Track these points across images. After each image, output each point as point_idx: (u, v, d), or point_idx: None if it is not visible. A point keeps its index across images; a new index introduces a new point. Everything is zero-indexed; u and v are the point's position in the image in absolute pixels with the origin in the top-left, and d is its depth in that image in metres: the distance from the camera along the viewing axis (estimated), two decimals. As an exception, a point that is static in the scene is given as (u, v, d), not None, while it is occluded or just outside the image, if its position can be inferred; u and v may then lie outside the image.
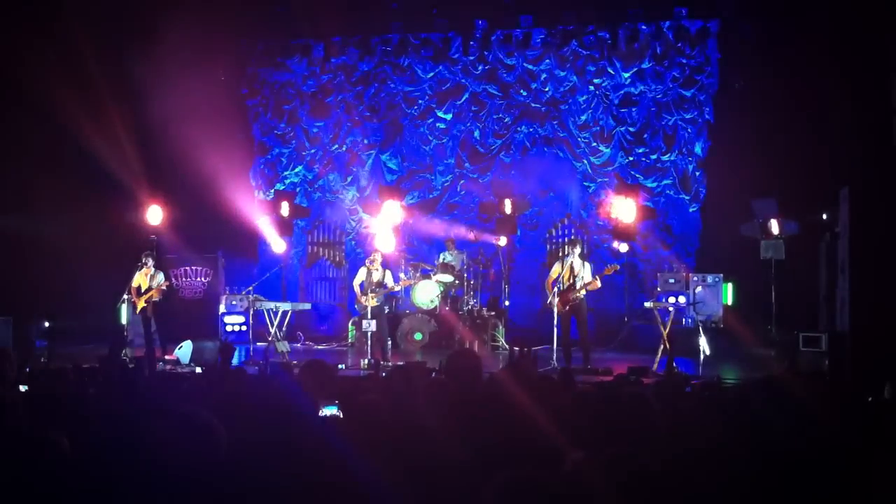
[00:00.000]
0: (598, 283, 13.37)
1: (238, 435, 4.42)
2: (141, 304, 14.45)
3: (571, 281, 13.14)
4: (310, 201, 19.57)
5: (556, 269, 13.45)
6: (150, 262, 14.60)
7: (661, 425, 4.36)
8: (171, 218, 17.49)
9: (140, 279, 14.51)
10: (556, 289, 13.23)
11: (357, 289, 14.13)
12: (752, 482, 3.85)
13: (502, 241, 17.64)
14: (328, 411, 4.87)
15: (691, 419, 4.69)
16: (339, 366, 13.25)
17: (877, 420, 5.59)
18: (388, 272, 14.20)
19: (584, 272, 13.17)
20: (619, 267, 13.78)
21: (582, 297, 13.17)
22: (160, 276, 14.63)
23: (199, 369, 11.98)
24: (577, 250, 13.44)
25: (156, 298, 14.53)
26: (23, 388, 7.02)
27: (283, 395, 5.36)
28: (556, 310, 13.23)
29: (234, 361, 14.22)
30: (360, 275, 14.16)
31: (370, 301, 13.79)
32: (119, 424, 4.80)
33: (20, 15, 16.22)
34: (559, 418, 4.90)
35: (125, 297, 14.51)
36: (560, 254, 17.11)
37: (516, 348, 14.18)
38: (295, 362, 12.87)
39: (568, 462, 3.62)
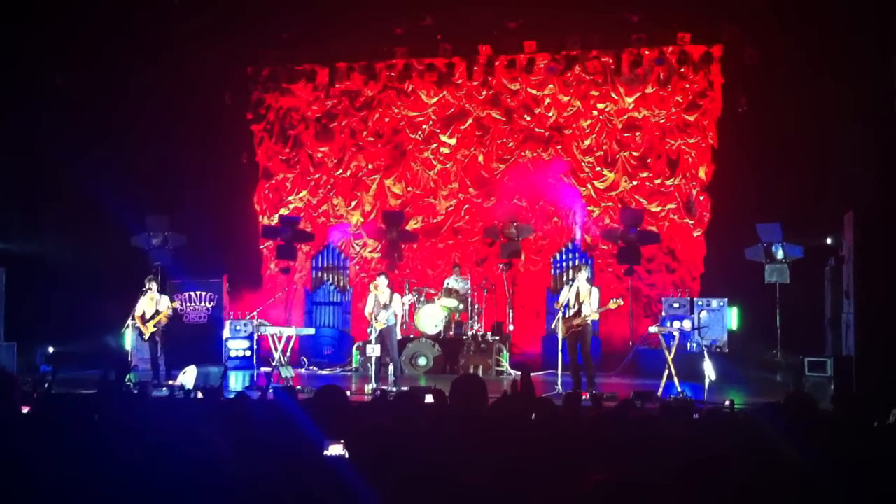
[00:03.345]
0: (597, 315, 13.28)
1: (242, 462, 4.40)
2: (150, 329, 14.36)
3: (577, 307, 13.07)
4: (314, 226, 19.57)
5: (564, 293, 13.33)
6: (154, 287, 14.54)
7: (669, 451, 4.35)
8: (176, 243, 17.52)
9: (145, 305, 14.44)
10: (559, 314, 13.16)
11: (369, 317, 14.08)
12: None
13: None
14: (334, 450, 4.79)
15: (700, 445, 4.67)
16: (346, 392, 13.19)
17: (883, 445, 5.55)
18: (395, 295, 14.21)
19: (591, 298, 13.06)
20: (622, 302, 13.49)
21: (587, 323, 13.09)
22: (165, 300, 14.58)
23: (199, 394, 11.93)
24: (584, 275, 13.34)
25: (164, 323, 14.45)
26: (25, 409, 7.02)
27: (289, 420, 5.34)
28: (560, 335, 13.17)
29: (238, 387, 14.25)
30: (369, 302, 14.13)
31: (378, 324, 13.82)
32: (122, 450, 4.78)
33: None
34: (564, 444, 4.88)
35: (129, 322, 14.47)
36: (564, 279, 17.12)
37: (516, 372, 14.09)
38: (299, 387, 12.83)
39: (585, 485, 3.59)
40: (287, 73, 19.32)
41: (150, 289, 14.43)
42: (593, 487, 3.26)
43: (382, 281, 14.12)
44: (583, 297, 13.03)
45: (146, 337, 14.38)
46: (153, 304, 14.42)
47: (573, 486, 3.94)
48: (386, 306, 13.95)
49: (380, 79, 19.28)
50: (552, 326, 13.47)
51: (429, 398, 10.86)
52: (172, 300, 14.86)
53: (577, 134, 18.60)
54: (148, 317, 14.33)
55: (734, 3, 16.59)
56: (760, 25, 16.45)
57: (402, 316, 15.39)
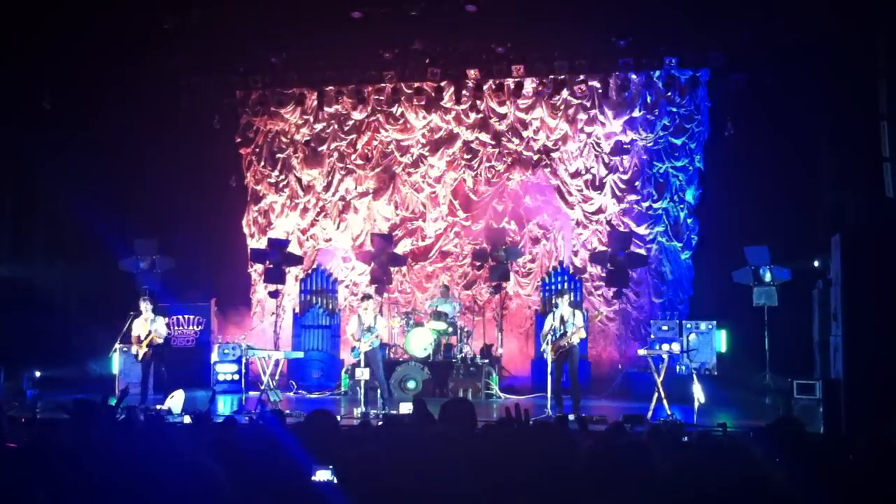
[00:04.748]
0: (584, 333, 13.45)
1: (231, 487, 4.36)
2: (143, 349, 14.32)
3: (563, 330, 13.21)
4: (302, 249, 19.55)
5: (548, 321, 13.57)
6: (149, 308, 14.52)
7: (659, 475, 4.33)
8: (164, 266, 17.46)
9: (140, 326, 14.41)
10: (549, 337, 13.29)
11: (351, 338, 14.15)
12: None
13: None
14: (322, 475, 4.75)
15: (690, 469, 4.65)
16: (336, 416, 13.14)
17: (871, 469, 5.55)
18: (378, 317, 14.24)
19: (575, 320, 13.25)
20: (604, 313, 13.79)
21: (574, 343, 13.23)
22: (160, 320, 14.58)
23: (188, 419, 11.88)
24: (566, 299, 13.51)
25: (158, 342, 14.41)
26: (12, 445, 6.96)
27: (277, 445, 5.31)
28: (549, 357, 13.26)
29: (227, 411, 14.18)
30: (352, 323, 14.21)
31: (363, 346, 13.82)
32: (110, 476, 4.75)
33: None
34: (556, 467, 4.86)
35: (117, 346, 14.42)
36: (547, 306, 17.20)
37: (511, 398, 14.17)
38: (288, 411, 12.78)
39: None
40: (276, 97, 19.35)
41: (143, 310, 14.42)
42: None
43: (368, 304, 14.19)
44: (567, 319, 13.21)
45: (140, 358, 14.34)
46: (147, 324, 14.38)
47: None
48: (370, 328, 13.96)
49: (368, 102, 19.32)
50: (542, 351, 13.56)
51: (408, 407, 10.87)
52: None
53: (565, 157, 18.66)
54: (143, 338, 14.29)
55: (721, 28, 16.69)
56: (747, 50, 16.56)
57: (391, 337, 15.39)
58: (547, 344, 13.32)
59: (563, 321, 13.31)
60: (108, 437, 6.81)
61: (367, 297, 14.65)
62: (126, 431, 7.48)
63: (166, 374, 14.88)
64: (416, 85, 18.96)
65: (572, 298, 14.14)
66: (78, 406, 7.05)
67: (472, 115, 19.02)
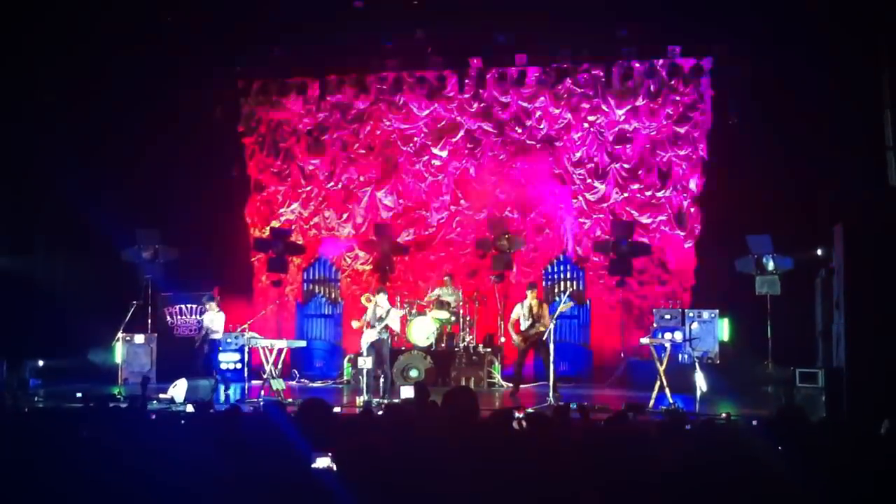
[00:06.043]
0: (549, 322, 14.09)
1: (234, 475, 4.38)
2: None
3: (531, 321, 14.09)
4: (305, 238, 19.55)
5: (516, 311, 14.40)
6: (214, 303, 14.83)
7: (662, 464, 4.34)
8: (167, 256, 17.46)
9: (211, 319, 14.78)
10: (525, 326, 14.18)
11: (364, 327, 14.22)
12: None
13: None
14: (321, 463, 4.74)
15: (692, 458, 4.66)
16: (336, 408, 13.13)
17: (874, 457, 5.55)
18: (392, 310, 14.31)
19: (544, 311, 14.16)
20: (573, 304, 14.88)
21: (542, 332, 13.95)
22: (221, 316, 14.78)
23: (191, 408, 11.91)
24: (533, 293, 14.32)
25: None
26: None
27: (278, 434, 5.32)
28: (520, 346, 14.32)
29: (229, 399, 14.21)
30: (368, 313, 14.28)
31: (372, 335, 13.90)
32: (114, 466, 4.77)
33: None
34: (557, 455, 4.87)
35: (120, 335, 14.46)
36: (550, 296, 17.30)
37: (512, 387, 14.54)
38: (290, 400, 12.82)
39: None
40: (278, 87, 19.33)
41: (211, 308, 14.87)
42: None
43: (381, 297, 14.25)
44: (535, 311, 14.09)
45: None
46: (216, 316, 14.86)
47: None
48: (381, 319, 14.03)
49: (371, 91, 19.30)
50: (514, 343, 14.30)
51: (409, 391, 10.85)
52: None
53: (569, 146, 18.62)
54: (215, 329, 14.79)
55: (724, 16, 16.61)
56: (750, 38, 16.49)
57: (395, 331, 15.43)
58: (517, 334, 14.20)
59: (532, 313, 14.01)
60: (112, 426, 6.83)
61: (379, 291, 14.67)
62: (130, 420, 7.51)
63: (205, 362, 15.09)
64: (419, 74, 18.94)
65: (538, 291, 14.76)
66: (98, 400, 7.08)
67: (475, 104, 18.98)
